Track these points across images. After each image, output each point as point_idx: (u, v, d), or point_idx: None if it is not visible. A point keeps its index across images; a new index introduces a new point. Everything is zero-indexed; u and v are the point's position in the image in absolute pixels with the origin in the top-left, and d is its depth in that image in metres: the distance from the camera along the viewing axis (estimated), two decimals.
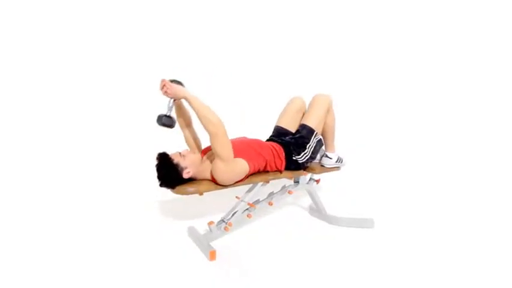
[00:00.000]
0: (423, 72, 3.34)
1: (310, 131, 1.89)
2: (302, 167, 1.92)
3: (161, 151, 1.60)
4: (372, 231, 2.05)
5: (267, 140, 1.98)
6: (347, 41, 3.13)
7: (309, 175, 2.10)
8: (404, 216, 2.27)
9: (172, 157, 1.58)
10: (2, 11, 2.55)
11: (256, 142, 1.80)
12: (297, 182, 2.08)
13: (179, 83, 1.56)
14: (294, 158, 1.87)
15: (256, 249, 1.78)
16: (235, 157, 1.61)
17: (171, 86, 1.49)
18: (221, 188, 1.67)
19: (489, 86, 3.33)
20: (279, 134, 2.00)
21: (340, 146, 2.24)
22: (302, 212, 2.33)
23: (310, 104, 1.96)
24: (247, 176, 1.71)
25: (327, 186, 2.79)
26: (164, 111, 1.55)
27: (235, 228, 1.97)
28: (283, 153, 1.85)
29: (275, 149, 1.81)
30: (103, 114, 2.80)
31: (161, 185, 1.58)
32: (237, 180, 1.65)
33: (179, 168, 1.57)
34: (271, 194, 2.00)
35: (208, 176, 1.66)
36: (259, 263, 1.65)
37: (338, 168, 2.18)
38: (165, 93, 1.51)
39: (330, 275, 1.58)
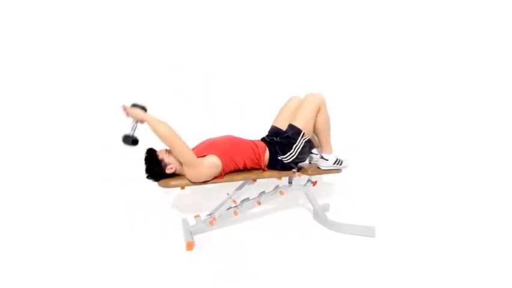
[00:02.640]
0: (426, 73, 3.11)
1: (297, 131, 1.87)
2: (289, 167, 1.91)
3: (150, 147, 1.78)
4: (373, 241, 1.91)
5: (261, 139, 2.02)
6: (349, 41, 3.02)
7: (306, 177, 2.07)
8: (407, 225, 2.10)
9: (158, 153, 1.75)
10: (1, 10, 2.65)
11: (236, 140, 1.86)
12: (290, 182, 2.06)
13: (141, 106, 1.68)
14: (279, 157, 1.88)
15: (251, 249, 1.79)
16: (206, 154, 1.71)
17: (130, 110, 1.62)
18: (203, 184, 1.77)
19: (489, 84, 3.06)
20: (272, 134, 2.03)
21: (341, 147, 2.15)
22: (307, 215, 2.29)
23: (300, 104, 1.93)
24: (225, 172, 1.78)
25: (327, 188, 2.74)
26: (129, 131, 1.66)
27: (227, 225, 2.06)
28: (267, 152, 1.87)
29: (256, 147, 1.85)
30: (103, 113, 2.86)
31: (147, 178, 1.75)
32: (212, 175, 1.73)
33: (162, 164, 1.72)
34: (262, 194, 2.02)
35: None
36: (252, 263, 1.66)
37: (337, 170, 2.09)
38: (126, 115, 1.64)
39: (317, 282, 1.51)
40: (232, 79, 2.84)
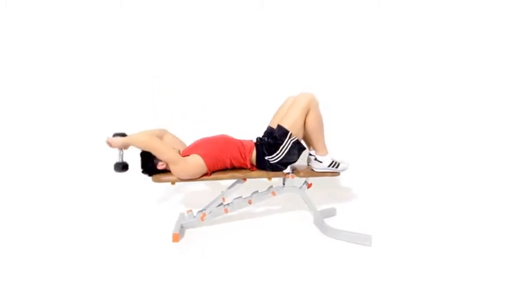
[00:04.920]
0: (424, 77, 2.96)
1: (284, 132, 1.84)
2: (276, 168, 1.89)
3: None
4: (369, 250, 1.79)
5: (256, 139, 2.03)
6: (350, 42, 2.91)
7: (303, 178, 2.03)
8: (407, 236, 1.93)
9: None
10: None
11: (223, 139, 1.91)
12: (284, 184, 2.03)
13: (120, 134, 1.83)
14: (266, 158, 1.87)
15: (237, 248, 1.79)
16: (192, 153, 1.79)
17: (112, 141, 1.77)
18: (191, 180, 1.86)
19: (486, 89, 2.92)
20: (265, 134, 2.03)
21: (342, 150, 2.05)
22: (308, 218, 2.23)
23: (290, 104, 1.90)
24: (212, 171, 1.85)
25: (335, 192, 2.64)
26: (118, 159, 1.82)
27: (224, 222, 2.12)
28: (254, 152, 1.88)
29: (243, 147, 1.87)
30: (98, 112, 2.93)
31: (142, 172, 1.91)
32: (197, 173, 1.81)
33: (155, 161, 1.85)
34: (255, 193, 2.04)
35: None
36: (232, 263, 1.64)
37: (334, 173, 2.00)
38: (111, 147, 1.79)
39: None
40: (233, 80, 2.88)
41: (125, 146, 1.81)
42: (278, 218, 2.25)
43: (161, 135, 1.95)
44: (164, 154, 1.75)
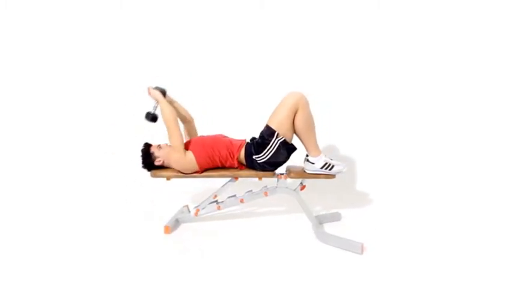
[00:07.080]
0: (423, 81, 2.80)
1: (271, 132, 1.81)
2: (264, 167, 1.87)
3: (146, 141, 2.06)
4: (359, 258, 1.68)
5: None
6: (351, 41, 2.80)
7: (296, 180, 1.98)
8: (405, 246, 1.77)
9: (152, 147, 2.02)
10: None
11: (214, 138, 1.94)
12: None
13: (161, 90, 1.98)
14: (253, 157, 1.87)
15: (225, 247, 1.79)
16: (188, 150, 1.89)
17: (151, 91, 1.94)
18: (184, 176, 1.94)
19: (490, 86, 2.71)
20: (260, 133, 2.02)
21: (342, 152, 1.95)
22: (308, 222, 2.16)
23: (278, 104, 1.86)
24: (203, 168, 1.91)
25: (338, 195, 2.55)
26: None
27: (220, 220, 2.17)
28: (242, 151, 1.89)
29: (231, 145, 1.89)
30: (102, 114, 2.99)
31: (142, 167, 2.04)
32: (188, 169, 1.88)
33: (152, 157, 1.97)
34: (248, 192, 2.04)
35: None
36: (216, 262, 1.63)
37: (328, 176, 1.91)
38: (148, 94, 1.97)
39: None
40: (234, 79, 2.88)
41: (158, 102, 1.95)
42: (279, 219, 2.21)
43: (188, 120, 2.16)
44: (174, 138, 1.86)
